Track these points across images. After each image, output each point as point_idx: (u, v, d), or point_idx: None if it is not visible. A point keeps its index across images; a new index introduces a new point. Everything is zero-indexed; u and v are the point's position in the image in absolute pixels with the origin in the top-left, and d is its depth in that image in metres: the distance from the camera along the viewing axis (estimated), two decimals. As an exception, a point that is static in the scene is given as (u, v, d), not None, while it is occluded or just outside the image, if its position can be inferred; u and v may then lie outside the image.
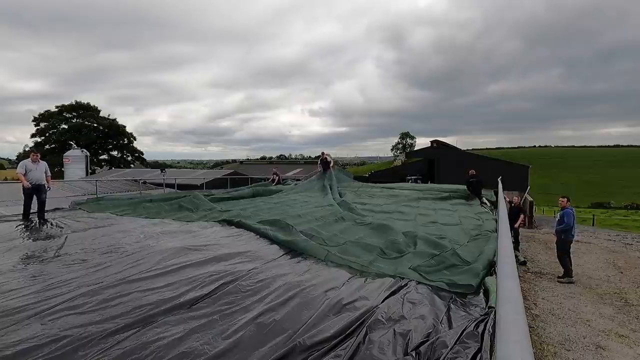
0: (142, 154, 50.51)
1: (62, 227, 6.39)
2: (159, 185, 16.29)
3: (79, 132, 43.52)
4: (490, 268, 4.16)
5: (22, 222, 6.87)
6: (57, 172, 32.57)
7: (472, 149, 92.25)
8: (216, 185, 20.13)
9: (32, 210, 7.35)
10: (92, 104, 46.49)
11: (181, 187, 17.43)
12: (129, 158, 48.96)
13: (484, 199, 11.14)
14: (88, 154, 32.45)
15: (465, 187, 12.03)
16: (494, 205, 10.44)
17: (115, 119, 47.45)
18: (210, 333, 2.57)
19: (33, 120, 44.02)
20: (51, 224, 6.67)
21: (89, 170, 32.90)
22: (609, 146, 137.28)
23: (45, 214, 7.36)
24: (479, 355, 2.31)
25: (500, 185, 11.65)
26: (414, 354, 2.37)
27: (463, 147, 69.00)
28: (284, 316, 2.86)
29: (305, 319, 2.79)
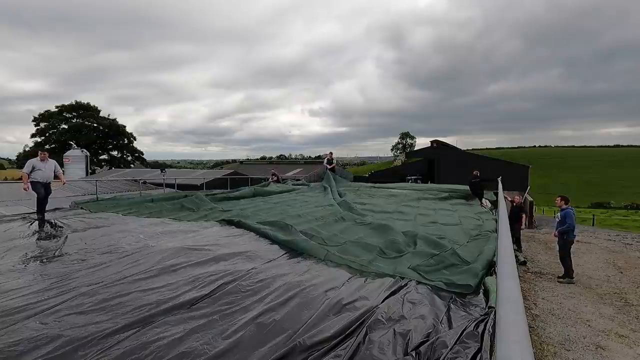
0: (142, 154, 50.54)
1: (62, 227, 6.38)
2: (159, 185, 16.28)
3: (79, 132, 43.53)
4: (490, 268, 4.16)
5: (35, 218, 7.05)
6: (57, 172, 32.53)
7: (472, 149, 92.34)
8: (216, 185, 20.13)
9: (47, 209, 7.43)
10: (92, 104, 46.61)
11: (181, 187, 17.43)
12: (129, 158, 48.97)
13: (484, 200, 11.15)
14: (88, 154, 32.46)
15: (467, 187, 12.06)
16: (494, 205, 10.45)
17: (115, 119, 47.53)
18: (210, 333, 2.57)
19: (33, 120, 44.09)
20: (51, 224, 6.67)
21: (89, 170, 32.90)
22: (609, 146, 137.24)
23: (46, 213, 7.41)
24: (479, 355, 2.31)
25: (500, 185, 11.65)
26: (414, 354, 2.37)
27: (463, 147, 69.09)
28: (284, 316, 2.86)
29: (305, 319, 2.79)
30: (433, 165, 38.59)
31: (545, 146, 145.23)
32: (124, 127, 47.62)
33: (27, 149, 45.57)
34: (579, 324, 5.79)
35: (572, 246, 8.11)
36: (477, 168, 12.50)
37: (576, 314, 6.18)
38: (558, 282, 8.01)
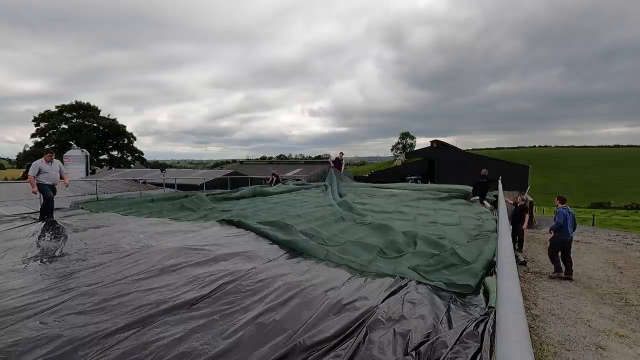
0: (142, 154, 50.52)
1: (62, 227, 6.39)
2: (159, 185, 16.28)
3: (79, 132, 43.52)
4: (490, 268, 4.16)
5: (38, 221, 6.95)
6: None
7: (472, 149, 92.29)
8: (216, 185, 20.12)
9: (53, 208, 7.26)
10: (92, 104, 46.57)
11: (181, 187, 17.42)
12: (129, 158, 48.96)
13: (485, 202, 11.17)
14: (88, 154, 32.44)
15: (467, 187, 12.09)
16: (495, 205, 10.46)
17: (115, 119, 47.50)
18: (210, 333, 2.57)
19: (33, 120, 44.08)
20: (51, 224, 6.67)
21: (89, 170, 32.90)
22: (609, 146, 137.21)
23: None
24: (479, 355, 2.31)
25: (500, 186, 11.65)
26: (414, 354, 2.37)
27: (463, 147, 69.07)
28: (284, 316, 2.86)
29: (305, 319, 2.79)
30: (433, 165, 38.61)
31: (545, 146, 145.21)
32: (124, 127, 47.65)
33: (27, 149, 45.55)
34: (579, 324, 5.79)
35: (572, 245, 8.14)
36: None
37: (576, 314, 6.18)
38: (550, 278, 8.09)
